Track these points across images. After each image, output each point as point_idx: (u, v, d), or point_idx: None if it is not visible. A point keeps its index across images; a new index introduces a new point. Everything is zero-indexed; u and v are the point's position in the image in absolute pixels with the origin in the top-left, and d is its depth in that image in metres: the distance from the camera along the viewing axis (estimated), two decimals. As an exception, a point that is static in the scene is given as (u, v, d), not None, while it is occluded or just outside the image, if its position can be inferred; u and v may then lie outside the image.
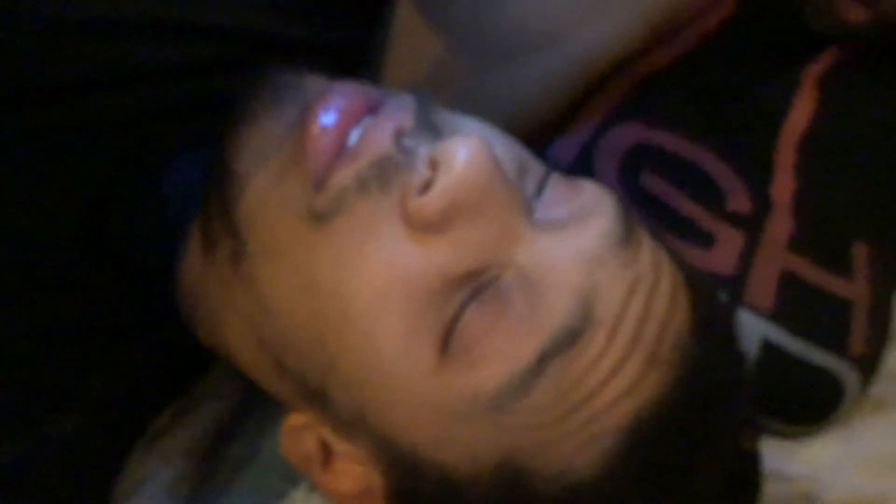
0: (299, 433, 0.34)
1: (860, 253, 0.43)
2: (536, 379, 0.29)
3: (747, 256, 0.41)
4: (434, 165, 0.30)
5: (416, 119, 0.31)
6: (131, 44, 0.35)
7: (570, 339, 0.29)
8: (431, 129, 0.31)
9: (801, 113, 0.45)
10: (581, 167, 0.42)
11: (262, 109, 0.32)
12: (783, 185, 0.43)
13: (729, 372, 0.35)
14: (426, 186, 0.30)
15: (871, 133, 0.46)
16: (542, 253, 0.30)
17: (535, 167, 0.34)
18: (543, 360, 0.29)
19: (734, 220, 0.42)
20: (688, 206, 0.42)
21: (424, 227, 0.30)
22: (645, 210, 0.41)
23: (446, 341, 0.29)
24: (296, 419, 0.34)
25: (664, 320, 0.31)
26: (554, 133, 0.45)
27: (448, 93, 0.40)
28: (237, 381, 0.41)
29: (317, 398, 0.32)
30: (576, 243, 0.30)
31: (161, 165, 0.36)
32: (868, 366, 0.43)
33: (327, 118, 0.31)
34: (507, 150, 0.33)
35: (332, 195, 0.30)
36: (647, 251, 0.32)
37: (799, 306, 0.41)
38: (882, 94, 0.46)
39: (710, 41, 0.46)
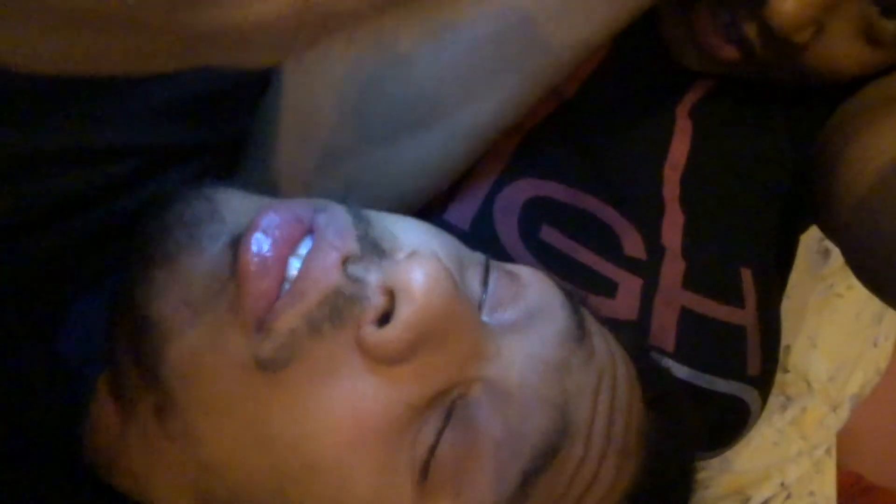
0: None
1: (746, 278, 0.45)
2: (521, 500, 0.28)
3: (647, 300, 0.43)
4: (389, 293, 0.28)
5: (359, 240, 0.30)
6: (7, 184, 0.31)
7: (551, 455, 0.28)
8: (375, 248, 0.30)
9: (680, 146, 0.47)
10: (481, 228, 0.43)
11: (176, 250, 0.29)
12: (673, 223, 0.45)
13: (683, 434, 0.35)
14: (383, 317, 0.28)
15: (739, 159, 0.48)
16: (508, 365, 0.29)
17: (472, 258, 0.33)
18: (527, 482, 0.28)
19: (631, 265, 0.44)
20: (588, 257, 0.43)
21: (389, 362, 0.28)
22: (551, 265, 0.42)
23: (424, 474, 0.28)
24: None
25: (628, 410, 0.31)
26: (447, 195, 0.45)
27: (342, 172, 0.39)
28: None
29: None
30: (539, 351, 0.30)
31: (55, 315, 0.32)
32: (766, 383, 0.45)
33: (261, 252, 0.28)
34: (447, 251, 0.32)
35: (280, 341, 0.28)
36: (599, 337, 0.32)
37: (698, 341, 0.43)
38: (747, 121, 0.49)
39: (587, 87, 0.48)
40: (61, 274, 0.33)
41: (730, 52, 0.44)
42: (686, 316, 0.43)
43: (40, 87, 0.29)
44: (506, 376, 0.29)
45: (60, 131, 0.31)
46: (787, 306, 0.52)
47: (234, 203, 0.31)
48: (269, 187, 0.39)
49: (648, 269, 0.44)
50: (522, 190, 0.44)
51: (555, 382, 0.29)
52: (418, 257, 0.28)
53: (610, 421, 0.30)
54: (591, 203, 0.45)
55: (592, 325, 0.33)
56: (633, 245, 0.44)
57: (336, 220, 0.30)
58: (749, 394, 0.44)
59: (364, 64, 0.38)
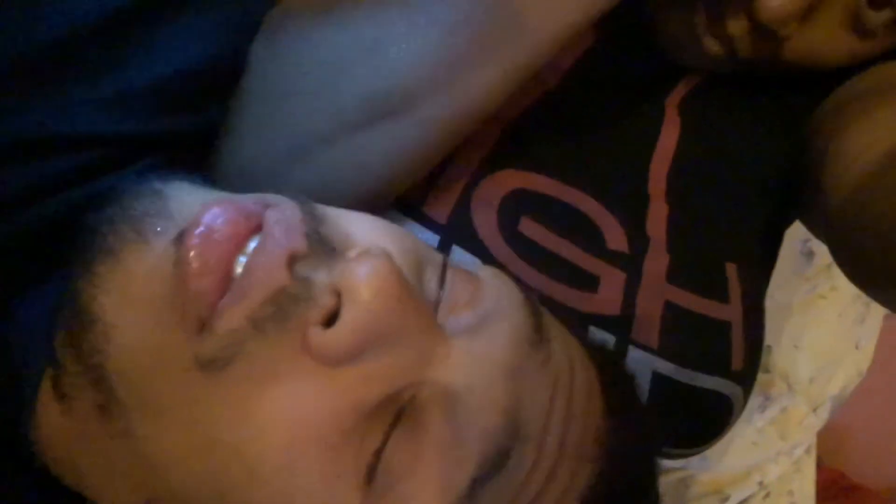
0: None
1: (731, 273, 0.45)
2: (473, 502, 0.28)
3: (630, 295, 0.42)
4: (336, 293, 0.27)
5: (308, 238, 0.28)
6: None
7: (500, 461, 0.28)
8: (325, 247, 0.29)
9: (668, 140, 0.46)
10: (459, 220, 0.42)
11: (120, 245, 0.28)
12: (658, 216, 0.44)
13: (642, 441, 0.35)
14: (330, 318, 0.27)
15: (728, 153, 0.48)
16: (458, 368, 0.28)
17: (432, 257, 0.32)
18: (476, 486, 0.28)
19: (614, 259, 0.43)
20: (569, 250, 0.42)
21: (334, 364, 0.27)
22: (530, 259, 0.41)
23: (370, 478, 0.27)
24: None
25: (585, 416, 0.31)
26: (426, 185, 0.44)
27: (315, 161, 0.38)
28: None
29: None
30: (491, 355, 0.29)
31: (3, 306, 0.31)
32: (748, 379, 0.45)
33: (204, 249, 0.27)
34: (403, 250, 0.31)
35: (222, 340, 0.27)
36: (558, 341, 0.32)
37: (683, 336, 0.42)
38: (736, 115, 0.48)
39: (571, 78, 0.47)
40: (9, 268, 0.32)
41: (718, 47, 0.44)
42: (670, 310, 0.42)
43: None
44: (455, 380, 0.28)
45: (18, 118, 0.30)
46: (770, 307, 0.52)
47: (183, 197, 0.30)
48: (242, 179, 0.38)
49: (632, 263, 0.43)
50: (502, 181, 0.43)
51: (506, 386, 0.29)
52: (367, 256, 0.27)
53: (565, 426, 0.30)
54: (573, 195, 0.44)
55: (553, 328, 0.32)
56: (616, 238, 0.44)
57: (285, 216, 0.29)
58: (732, 390, 0.43)
59: (337, 49, 0.37)
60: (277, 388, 0.27)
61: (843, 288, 0.96)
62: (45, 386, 0.30)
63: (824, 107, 0.47)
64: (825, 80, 0.47)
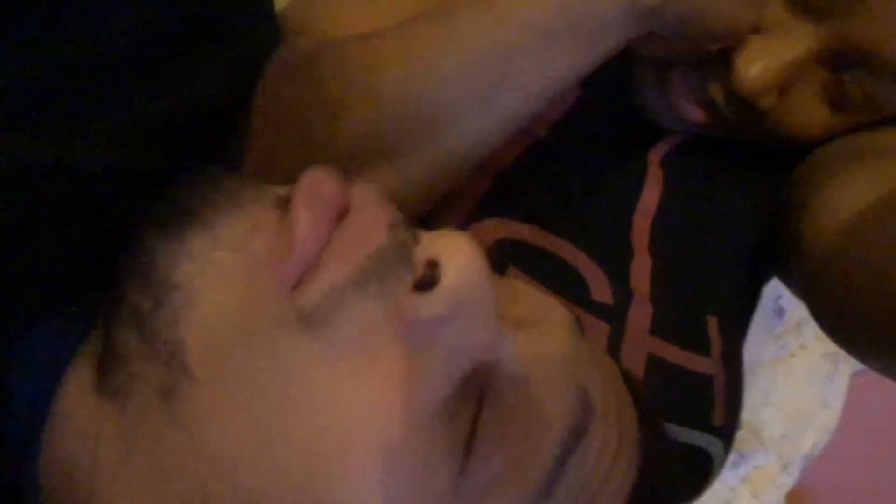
0: None
1: (712, 327, 0.45)
2: (557, 480, 0.27)
3: (614, 347, 0.42)
4: (430, 264, 0.27)
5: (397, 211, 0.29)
6: None
7: (578, 437, 0.28)
8: (408, 223, 0.29)
9: (651, 194, 0.47)
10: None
11: (213, 212, 0.27)
12: (641, 269, 0.45)
13: (667, 458, 0.36)
14: (424, 286, 0.27)
15: (708, 209, 0.49)
16: (529, 347, 0.29)
17: None
18: (559, 464, 0.27)
19: (598, 310, 0.43)
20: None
21: (423, 327, 0.26)
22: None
23: (463, 462, 0.26)
24: None
25: (629, 415, 0.31)
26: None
27: None
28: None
29: None
30: (553, 338, 0.30)
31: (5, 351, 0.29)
32: (730, 434, 0.45)
33: (315, 206, 0.27)
34: None
35: (325, 292, 0.26)
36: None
37: (666, 391, 0.42)
38: (717, 172, 0.50)
39: (559, 129, 0.48)
40: (11, 304, 0.30)
41: (699, 115, 0.46)
42: (653, 363, 0.42)
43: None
44: (529, 359, 0.29)
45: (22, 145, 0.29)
46: (741, 363, 0.52)
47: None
48: None
49: (615, 315, 0.43)
50: (490, 230, 0.44)
51: (573, 366, 0.29)
52: (458, 234, 0.28)
53: (618, 409, 0.31)
54: (559, 245, 0.44)
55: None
56: (601, 290, 0.44)
57: (375, 189, 0.29)
58: (714, 446, 0.43)
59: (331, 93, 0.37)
60: (376, 352, 0.26)
61: (812, 346, 0.97)
62: (71, 391, 0.28)
63: (802, 167, 0.48)
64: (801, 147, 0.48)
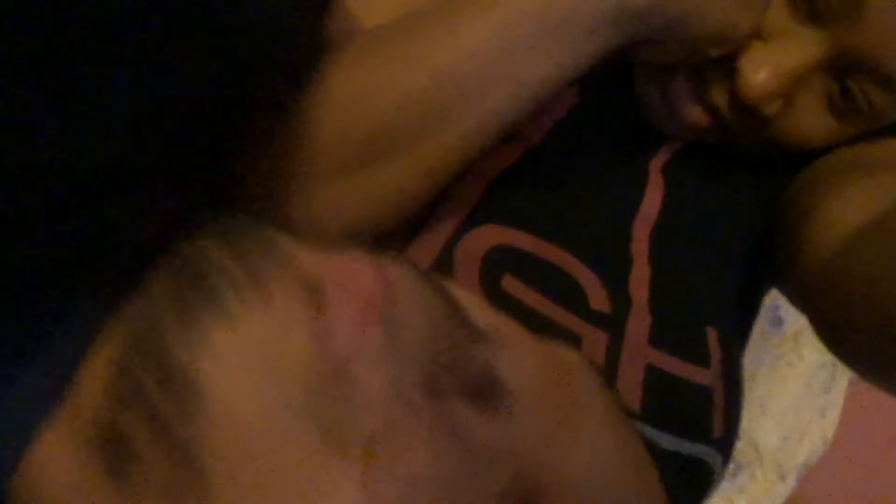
0: None
1: (711, 338, 0.45)
2: None
3: (613, 357, 0.42)
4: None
5: None
6: None
7: None
8: None
9: (651, 202, 0.46)
10: (440, 269, 0.41)
11: (237, 300, 0.25)
12: (640, 278, 0.44)
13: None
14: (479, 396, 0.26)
15: (709, 218, 0.48)
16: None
17: None
18: None
19: (596, 320, 0.42)
20: (552, 310, 0.42)
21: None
22: (512, 316, 0.41)
23: None
24: None
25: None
26: (408, 238, 0.44)
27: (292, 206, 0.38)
28: None
29: None
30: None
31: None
32: (728, 445, 0.44)
33: (346, 310, 0.25)
34: None
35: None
36: None
37: (665, 402, 0.42)
38: (718, 181, 0.49)
39: (554, 135, 0.47)
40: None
41: (700, 118, 0.45)
42: (652, 374, 0.42)
43: None
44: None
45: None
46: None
47: (284, 240, 0.27)
48: None
49: (614, 324, 0.43)
50: (485, 237, 0.43)
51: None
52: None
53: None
54: (556, 254, 0.44)
55: None
56: (599, 299, 0.43)
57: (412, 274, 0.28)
58: (713, 457, 0.42)
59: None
60: None
61: (810, 356, 0.97)
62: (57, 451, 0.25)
63: (800, 179, 0.48)
64: (801, 156, 0.48)
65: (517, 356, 0.26)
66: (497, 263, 0.42)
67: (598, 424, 0.30)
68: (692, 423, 0.42)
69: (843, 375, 1.00)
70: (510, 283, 0.42)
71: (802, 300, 0.45)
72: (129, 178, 0.30)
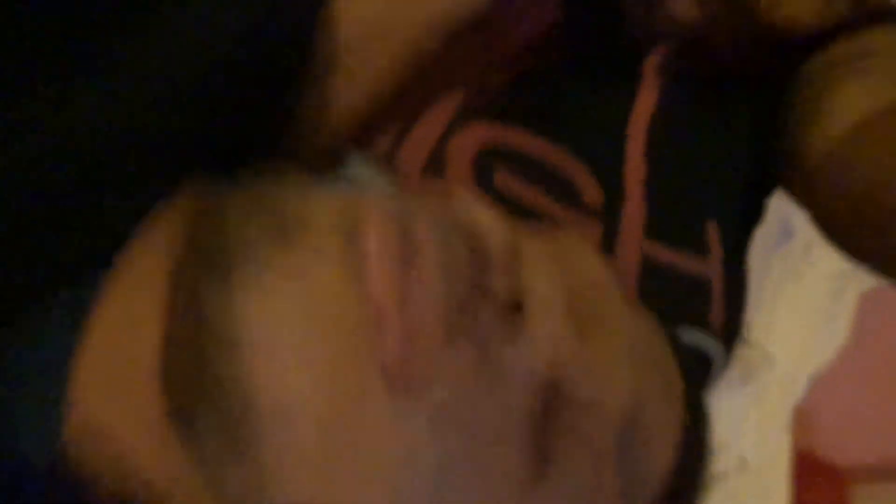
0: None
1: (711, 231, 0.45)
2: None
3: (607, 249, 0.42)
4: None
5: None
6: None
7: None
8: None
9: (646, 100, 0.46)
10: (433, 169, 0.41)
11: (269, 254, 0.25)
12: (635, 172, 0.44)
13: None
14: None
15: (706, 116, 0.48)
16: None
17: None
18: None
19: (590, 212, 0.42)
20: (545, 204, 0.42)
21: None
22: (506, 213, 0.41)
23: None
24: None
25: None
26: (399, 137, 0.43)
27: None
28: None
29: None
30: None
31: None
32: (730, 335, 0.45)
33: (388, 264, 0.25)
34: None
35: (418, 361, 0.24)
36: None
37: (660, 292, 0.42)
38: (715, 80, 0.48)
39: (544, 41, 0.46)
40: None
41: (687, 8, 0.44)
42: (647, 265, 0.42)
43: None
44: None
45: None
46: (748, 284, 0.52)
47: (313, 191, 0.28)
48: None
49: (608, 217, 0.43)
50: (477, 134, 0.43)
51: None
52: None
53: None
54: (549, 150, 0.43)
55: None
56: (593, 193, 0.43)
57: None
58: (712, 346, 0.43)
59: None
60: None
61: (820, 265, 0.96)
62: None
63: (801, 72, 0.47)
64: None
65: (534, 272, 0.27)
66: (490, 160, 0.42)
67: (618, 318, 0.30)
68: (688, 312, 0.42)
69: (855, 284, 1.00)
70: (503, 180, 0.42)
71: (807, 198, 0.45)
72: (160, 152, 0.30)
